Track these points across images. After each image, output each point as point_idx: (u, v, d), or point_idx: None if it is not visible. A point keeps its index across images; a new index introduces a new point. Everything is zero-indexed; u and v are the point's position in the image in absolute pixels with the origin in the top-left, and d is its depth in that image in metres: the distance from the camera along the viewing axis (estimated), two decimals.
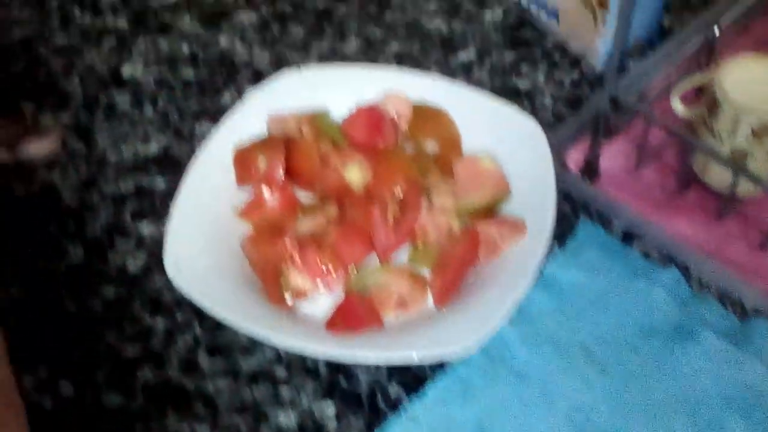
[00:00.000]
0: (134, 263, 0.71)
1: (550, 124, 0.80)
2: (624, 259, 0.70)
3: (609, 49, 0.81)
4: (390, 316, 0.64)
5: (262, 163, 0.70)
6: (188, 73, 0.86)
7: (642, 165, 0.73)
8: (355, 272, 0.66)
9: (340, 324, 0.62)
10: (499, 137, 0.73)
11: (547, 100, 0.82)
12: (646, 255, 0.70)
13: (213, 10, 0.93)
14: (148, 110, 0.83)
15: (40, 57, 0.88)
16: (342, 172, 0.69)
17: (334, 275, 0.65)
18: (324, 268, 0.64)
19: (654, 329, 0.65)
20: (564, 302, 0.67)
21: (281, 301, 0.65)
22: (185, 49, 0.89)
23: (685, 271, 0.69)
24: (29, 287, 0.70)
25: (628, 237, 0.71)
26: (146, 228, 0.74)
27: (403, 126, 0.75)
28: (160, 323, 0.68)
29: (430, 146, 0.74)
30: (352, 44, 0.89)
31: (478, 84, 0.84)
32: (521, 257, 0.66)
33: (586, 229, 0.72)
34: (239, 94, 0.84)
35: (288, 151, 0.71)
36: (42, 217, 0.75)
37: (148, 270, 0.71)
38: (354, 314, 0.63)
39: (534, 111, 0.81)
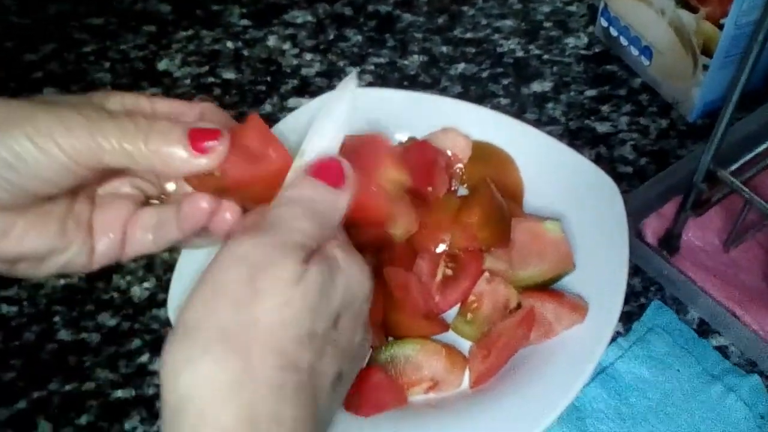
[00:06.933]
0: (140, 289, 0.63)
1: (627, 179, 0.70)
2: (697, 355, 0.59)
3: (706, 100, 0.71)
4: (417, 397, 0.55)
5: None
6: (229, 73, 0.78)
7: (733, 245, 0.63)
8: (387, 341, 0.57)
9: (355, 399, 0.54)
10: (568, 194, 0.63)
11: (628, 149, 0.72)
12: (725, 354, 0.60)
13: (266, 3, 0.84)
14: None
15: (72, 37, 0.81)
16: None
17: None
18: None
19: None
20: (622, 402, 0.57)
21: None
22: (230, 45, 0.80)
23: None
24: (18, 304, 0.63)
25: (704, 329, 0.61)
26: None
27: (459, 167, 0.65)
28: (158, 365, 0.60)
29: None
30: (414, 59, 0.79)
31: (551, 121, 0.74)
32: (579, 343, 0.56)
33: (656, 312, 0.62)
34: (281, 104, 0.75)
35: None
36: None
37: (153, 299, 0.63)
38: (374, 391, 0.54)
39: (611, 160, 0.71)
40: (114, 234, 0.41)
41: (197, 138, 0.38)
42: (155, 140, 0.37)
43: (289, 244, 0.35)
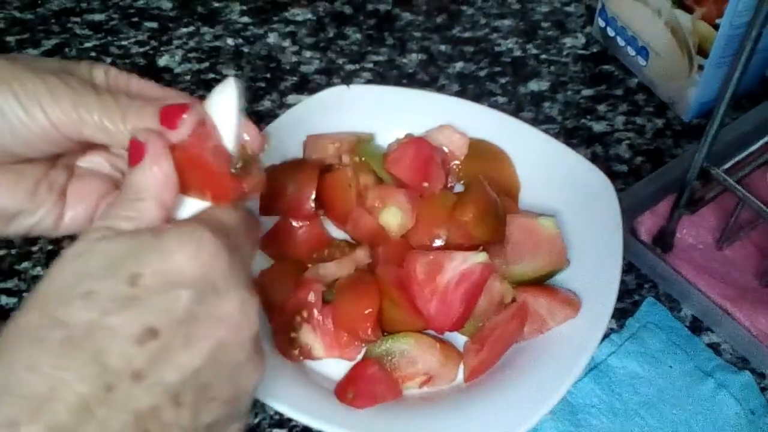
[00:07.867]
0: None
1: (623, 177, 0.70)
2: (690, 352, 0.60)
3: (702, 100, 0.71)
4: (412, 390, 0.56)
5: (291, 188, 0.62)
6: (229, 70, 0.78)
7: (726, 243, 0.63)
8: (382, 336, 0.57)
9: (350, 392, 0.54)
10: (563, 192, 0.63)
11: (623, 149, 0.73)
12: (717, 351, 0.60)
13: (267, 1, 0.84)
14: None
15: (74, 33, 0.81)
16: (378, 213, 0.60)
17: (353, 345, 0.57)
18: (343, 339, 0.56)
19: None
20: (614, 397, 0.58)
21: (289, 355, 0.57)
22: (230, 42, 0.81)
23: (760, 377, 0.59)
24: None
25: (697, 326, 0.62)
26: None
27: (455, 164, 0.66)
28: None
29: None
30: (413, 58, 0.80)
31: (548, 120, 0.74)
32: (572, 338, 0.56)
33: (650, 309, 0.62)
34: (281, 101, 0.75)
35: (322, 179, 0.63)
36: None
37: None
38: (369, 384, 0.55)
39: (607, 159, 0.72)
40: (86, 206, 0.42)
41: (168, 117, 0.38)
42: (132, 119, 0.38)
43: None
